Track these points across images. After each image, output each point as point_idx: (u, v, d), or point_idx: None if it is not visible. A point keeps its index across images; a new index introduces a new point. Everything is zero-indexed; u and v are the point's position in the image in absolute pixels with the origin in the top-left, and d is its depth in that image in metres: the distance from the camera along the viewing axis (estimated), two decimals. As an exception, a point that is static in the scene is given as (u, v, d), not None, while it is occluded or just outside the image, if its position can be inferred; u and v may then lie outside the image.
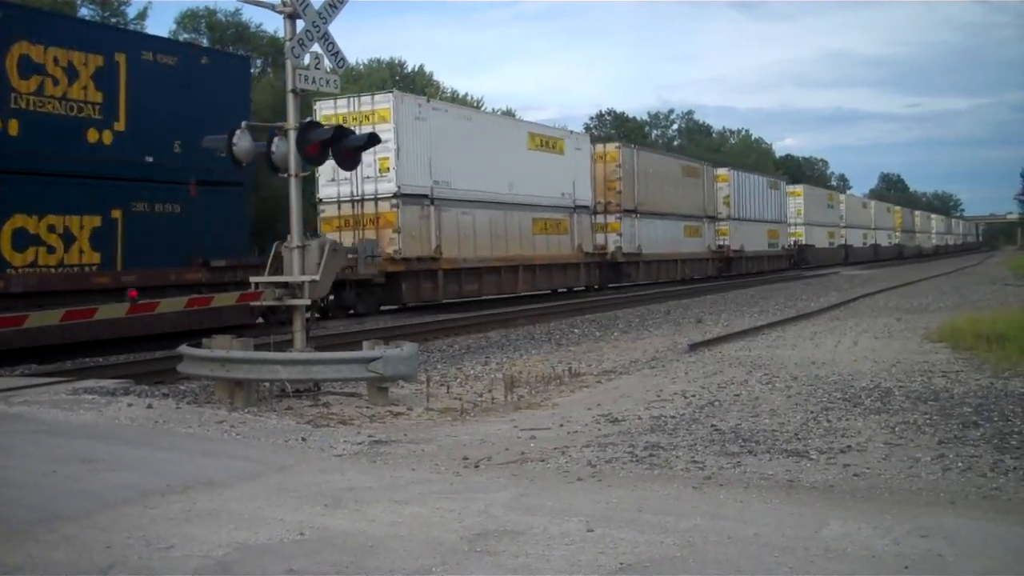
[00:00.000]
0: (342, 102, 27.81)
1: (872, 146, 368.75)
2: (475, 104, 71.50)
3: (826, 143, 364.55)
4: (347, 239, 23.04)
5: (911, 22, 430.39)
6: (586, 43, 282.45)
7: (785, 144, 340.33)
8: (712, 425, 9.74)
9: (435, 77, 78.02)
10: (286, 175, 12.62)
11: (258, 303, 13.08)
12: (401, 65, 75.40)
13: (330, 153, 12.95)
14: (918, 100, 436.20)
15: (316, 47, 12.57)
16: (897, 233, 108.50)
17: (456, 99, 69.48)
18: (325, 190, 28.17)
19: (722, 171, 54.66)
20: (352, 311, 26.71)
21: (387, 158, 27.09)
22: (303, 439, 9.51)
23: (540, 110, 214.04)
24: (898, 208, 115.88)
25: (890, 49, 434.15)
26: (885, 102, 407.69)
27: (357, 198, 25.71)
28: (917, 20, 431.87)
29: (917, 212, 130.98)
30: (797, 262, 65.19)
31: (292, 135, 12.41)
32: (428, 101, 30.85)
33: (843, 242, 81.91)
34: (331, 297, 23.23)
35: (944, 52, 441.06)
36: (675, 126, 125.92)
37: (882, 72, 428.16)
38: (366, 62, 73.64)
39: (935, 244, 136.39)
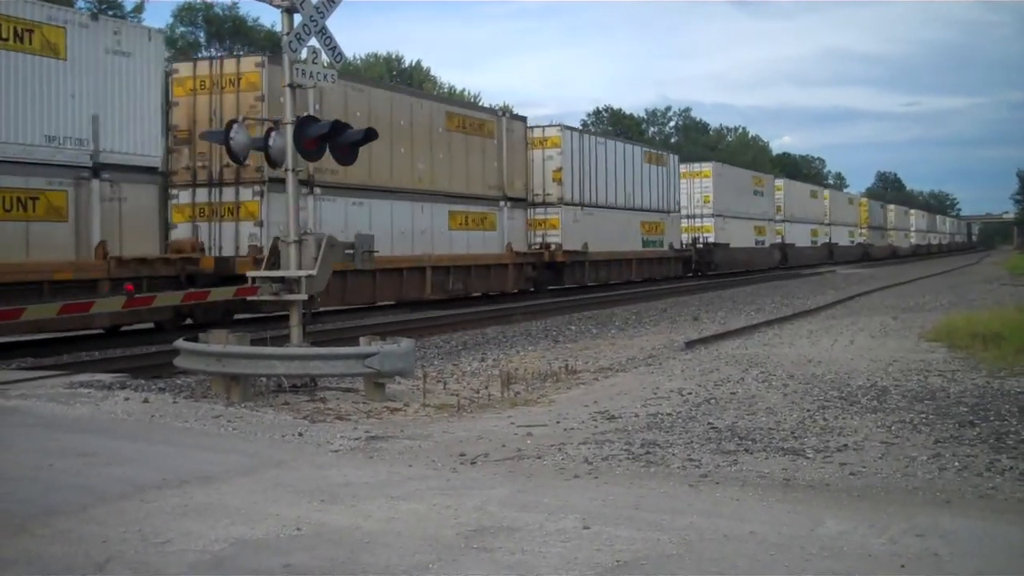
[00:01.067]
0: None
1: (869, 145, 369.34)
2: (473, 99, 71.37)
3: (824, 141, 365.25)
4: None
5: (909, 20, 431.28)
6: (584, 39, 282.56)
7: (783, 142, 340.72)
8: (709, 423, 9.74)
9: (432, 72, 77.99)
10: (283, 170, 12.60)
11: (255, 298, 13.06)
12: (399, 60, 75.38)
13: (327, 148, 12.93)
14: (916, 99, 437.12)
15: (314, 41, 12.54)
16: (862, 230, 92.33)
17: (453, 94, 69.40)
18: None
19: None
20: None
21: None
22: (300, 434, 9.50)
23: (538, 106, 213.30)
24: (864, 200, 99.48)
25: (888, 47, 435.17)
26: (883, 101, 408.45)
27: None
28: (915, 18, 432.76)
29: (891, 206, 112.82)
30: (699, 267, 49.99)
31: (289, 130, 12.39)
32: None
33: (779, 240, 63.72)
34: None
35: (941, 50, 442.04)
36: (672, 123, 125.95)
37: (880, 70, 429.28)
38: (363, 57, 73.59)
39: (914, 244, 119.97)
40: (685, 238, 48.80)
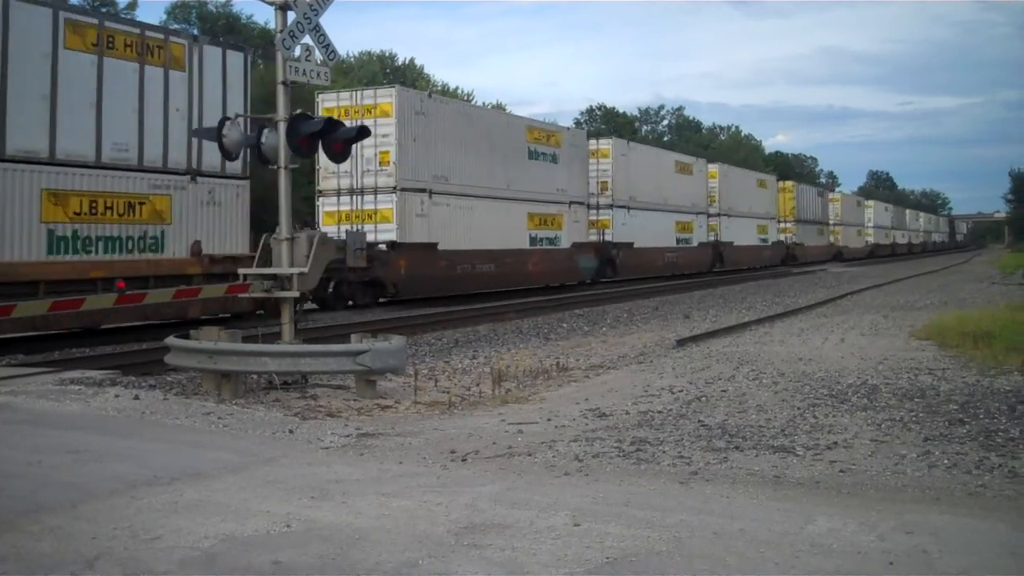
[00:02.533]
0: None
1: (864, 144, 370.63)
2: (466, 98, 71.40)
3: (818, 140, 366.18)
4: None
5: (904, 19, 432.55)
6: (579, 37, 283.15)
7: (776, 141, 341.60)
8: (699, 420, 9.76)
9: (426, 71, 77.89)
10: (276, 167, 12.58)
11: (246, 295, 13.04)
12: (392, 58, 75.24)
13: (320, 145, 12.92)
14: (910, 98, 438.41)
15: (307, 39, 12.52)
16: (786, 224, 68.16)
17: (447, 92, 69.35)
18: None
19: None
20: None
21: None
22: (290, 431, 9.50)
23: (532, 105, 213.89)
24: (789, 184, 71.93)
25: (884, 46, 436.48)
26: (878, 100, 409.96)
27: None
28: (910, 17, 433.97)
29: (835, 194, 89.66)
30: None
31: (282, 127, 12.37)
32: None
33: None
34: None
35: (936, 50, 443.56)
36: (665, 122, 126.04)
37: (875, 69, 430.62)
38: (357, 55, 73.45)
39: (872, 243, 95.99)
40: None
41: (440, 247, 29.09)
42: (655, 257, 45.57)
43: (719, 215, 54.72)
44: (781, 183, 70.25)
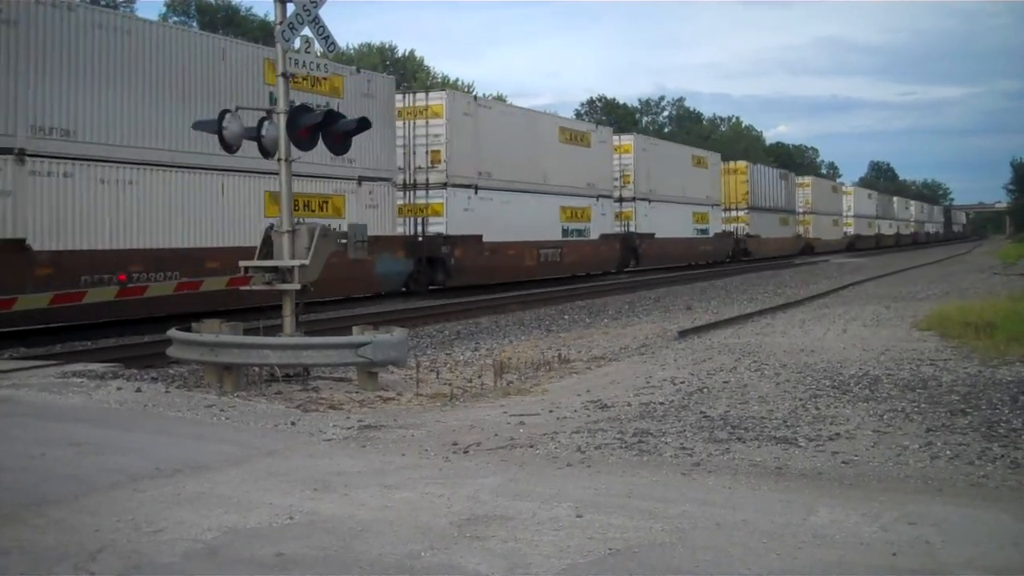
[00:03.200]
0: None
1: (865, 134, 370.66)
2: (466, 89, 71.29)
3: (820, 131, 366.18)
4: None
5: (906, 9, 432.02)
6: (580, 28, 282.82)
7: (778, 132, 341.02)
8: (701, 412, 9.76)
9: (426, 62, 77.82)
10: (276, 159, 12.57)
11: (247, 287, 13.03)
12: (392, 50, 75.20)
13: (320, 137, 12.90)
14: (912, 88, 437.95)
15: (307, 31, 12.49)
16: (737, 212, 57.80)
17: (447, 84, 69.26)
18: None
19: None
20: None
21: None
22: (292, 424, 9.50)
23: (534, 96, 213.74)
24: (741, 164, 60.09)
25: (886, 36, 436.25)
26: (879, 90, 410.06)
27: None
28: (911, 7, 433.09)
29: (805, 179, 75.74)
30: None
31: (282, 119, 12.35)
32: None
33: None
34: None
35: (937, 40, 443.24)
36: (666, 113, 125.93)
37: (877, 59, 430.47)
38: (357, 46, 73.40)
39: (852, 234, 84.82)
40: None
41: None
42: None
43: (634, 199, 44.21)
44: (731, 163, 59.71)
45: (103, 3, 49.30)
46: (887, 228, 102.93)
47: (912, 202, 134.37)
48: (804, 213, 71.60)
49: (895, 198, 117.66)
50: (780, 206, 64.80)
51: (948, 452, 7.93)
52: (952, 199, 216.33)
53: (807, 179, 76.93)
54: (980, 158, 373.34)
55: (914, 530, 5.87)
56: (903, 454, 7.90)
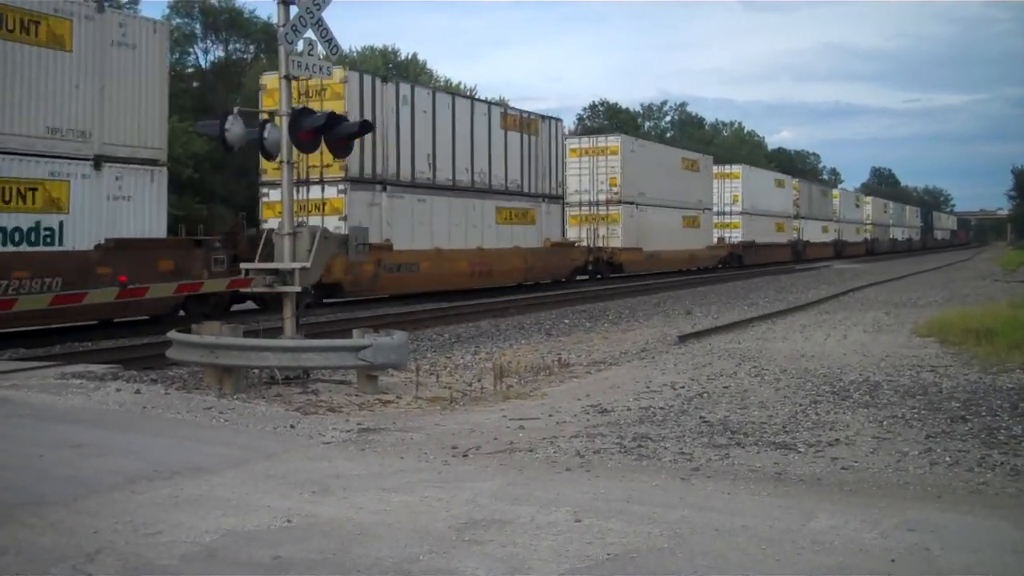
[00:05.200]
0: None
1: (868, 141, 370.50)
2: (470, 92, 71.27)
3: (823, 137, 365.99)
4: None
5: (910, 15, 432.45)
6: (584, 32, 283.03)
7: (781, 138, 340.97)
8: (701, 417, 9.75)
9: (428, 65, 77.82)
10: (278, 162, 12.58)
11: (248, 290, 13.04)
12: (395, 53, 75.19)
13: (323, 140, 12.92)
14: (916, 95, 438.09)
15: (310, 33, 12.51)
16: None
17: (449, 88, 69.24)
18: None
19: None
20: None
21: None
22: (292, 426, 9.50)
23: (538, 100, 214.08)
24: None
25: (889, 43, 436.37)
26: (883, 97, 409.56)
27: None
28: (916, 13, 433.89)
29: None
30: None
31: (285, 121, 12.36)
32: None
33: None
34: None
35: (941, 47, 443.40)
36: (668, 118, 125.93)
37: (881, 66, 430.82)
38: (359, 49, 73.40)
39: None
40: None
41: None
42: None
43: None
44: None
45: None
46: (853, 236, 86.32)
47: (894, 205, 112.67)
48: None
49: (871, 201, 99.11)
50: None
51: (948, 459, 7.92)
52: (953, 205, 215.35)
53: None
54: (983, 165, 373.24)
55: (913, 537, 5.86)
56: (903, 460, 7.89)
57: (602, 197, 41.84)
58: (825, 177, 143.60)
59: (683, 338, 17.55)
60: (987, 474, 7.46)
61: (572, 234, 40.21)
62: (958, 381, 11.98)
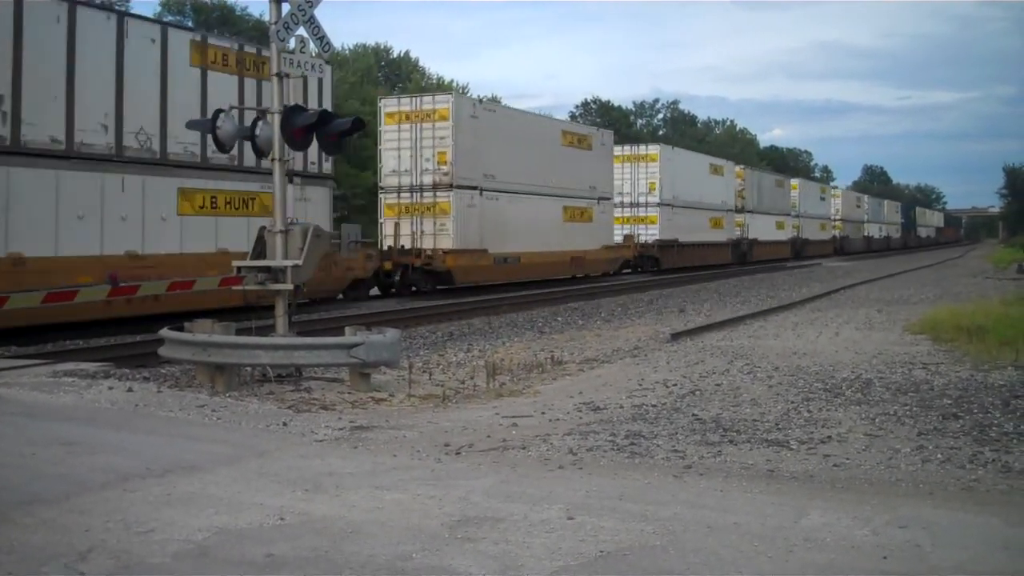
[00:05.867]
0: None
1: (860, 138, 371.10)
2: (462, 91, 71.21)
3: (815, 135, 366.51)
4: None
5: (902, 14, 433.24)
6: (579, 30, 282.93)
7: (773, 135, 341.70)
8: (693, 414, 9.76)
9: (421, 63, 77.73)
10: (270, 159, 12.55)
11: (240, 288, 13.01)
12: (387, 51, 75.10)
13: (315, 137, 12.89)
14: (908, 93, 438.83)
15: (302, 31, 12.48)
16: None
17: (442, 86, 69.20)
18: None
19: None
20: None
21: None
22: (284, 424, 9.48)
23: (533, 98, 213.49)
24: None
25: (883, 41, 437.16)
26: (876, 94, 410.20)
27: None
28: (908, 12, 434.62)
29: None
30: None
31: (276, 119, 12.34)
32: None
33: None
34: None
35: (934, 45, 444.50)
36: (660, 115, 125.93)
37: (874, 64, 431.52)
38: (352, 47, 73.28)
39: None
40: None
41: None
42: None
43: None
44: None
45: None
46: (812, 232, 74.61)
47: (869, 199, 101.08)
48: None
49: (837, 194, 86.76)
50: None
51: (939, 456, 7.95)
52: (945, 203, 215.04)
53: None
54: (975, 163, 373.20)
55: (905, 533, 5.87)
56: (894, 457, 7.91)
57: (429, 180, 29.91)
58: (817, 175, 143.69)
59: (675, 336, 17.57)
60: (978, 471, 7.49)
61: (389, 230, 29.85)
62: (950, 378, 12.02)
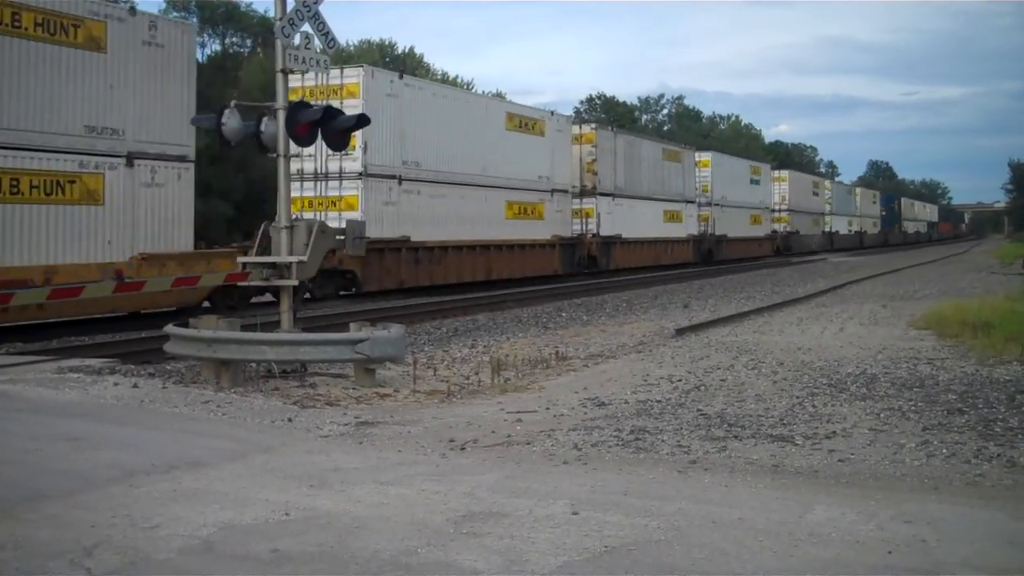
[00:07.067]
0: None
1: (866, 133, 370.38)
2: (466, 87, 71.17)
3: (821, 130, 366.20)
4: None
5: (910, 9, 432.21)
6: (584, 25, 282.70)
7: (779, 131, 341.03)
8: (698, 410, 9.76)
9: (426, 59, 77.62)
10: (275, 155, 12.56)
11: (246, 283, 13.02)
12: (392, 46, 75.01)
13: (319, 134, 12.89)
14: (914, 88, 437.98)
15: (306, 27, 12.49)
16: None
17: (447, 81, 69.15)
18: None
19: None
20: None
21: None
22: (289, 420, 9.50)
23: (537, 94, 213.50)
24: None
25: (889, 36, 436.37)
26: (882, 90, 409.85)
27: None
28: (916, 7, 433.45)
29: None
30: None
31: (281, 115, 12.34)
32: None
33: None
34: None
35: (941, 40, 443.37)
36: (665, 111, 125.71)
37: (880, 59, 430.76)
38: (356, 43, 73.22)
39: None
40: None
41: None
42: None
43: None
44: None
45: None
46: (760, 228, 60.97)
47: (862, 192, 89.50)
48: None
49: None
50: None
51: (944, 451, 7.94)
52: (950, 198, 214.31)
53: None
54: (981, 158, 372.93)
55: (910, 528, 5.87)
56: (899, 453, 7.90)
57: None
58: (822, 169, 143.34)
59: (680, 331, 17.56)
60: (983, 466, 7.48)
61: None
62: (955, 373, 12.00)
